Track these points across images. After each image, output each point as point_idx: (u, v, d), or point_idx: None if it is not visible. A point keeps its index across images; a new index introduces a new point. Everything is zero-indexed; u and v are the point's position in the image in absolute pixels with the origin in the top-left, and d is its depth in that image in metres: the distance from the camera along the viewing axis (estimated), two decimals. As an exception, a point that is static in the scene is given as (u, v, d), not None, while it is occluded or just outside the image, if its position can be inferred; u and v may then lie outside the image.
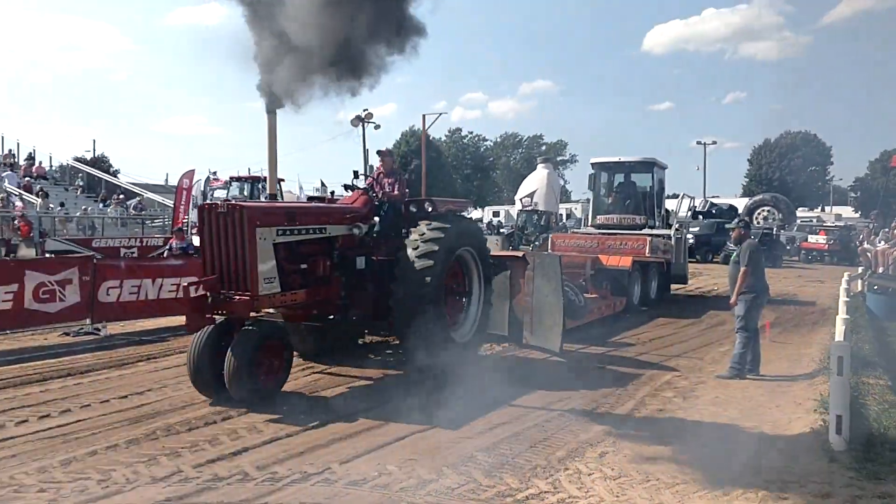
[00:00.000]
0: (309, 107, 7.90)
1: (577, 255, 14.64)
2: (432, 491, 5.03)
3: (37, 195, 25.58)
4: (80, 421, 6.60)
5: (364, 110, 42.47)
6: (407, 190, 9.49)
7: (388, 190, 9.26)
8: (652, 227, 16.28)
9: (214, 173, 34.90)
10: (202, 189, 26.86)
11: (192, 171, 25.03)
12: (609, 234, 15.89)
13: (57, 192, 29.60)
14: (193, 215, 21.27)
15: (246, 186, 27.86)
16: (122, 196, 30.40)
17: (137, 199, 30.73)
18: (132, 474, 5.26)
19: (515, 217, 30.97)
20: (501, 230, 32.78)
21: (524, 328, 9.87)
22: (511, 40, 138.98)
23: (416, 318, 7.98)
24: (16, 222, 21.03)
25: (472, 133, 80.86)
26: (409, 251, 8.20)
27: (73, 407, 7.06)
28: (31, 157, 32.37)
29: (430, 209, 9.00)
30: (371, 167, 46.13)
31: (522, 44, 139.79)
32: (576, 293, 11.76)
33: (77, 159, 38.48)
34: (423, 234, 8.29)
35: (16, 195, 25.14)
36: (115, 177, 38.32)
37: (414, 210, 9.13)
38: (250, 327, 7.20)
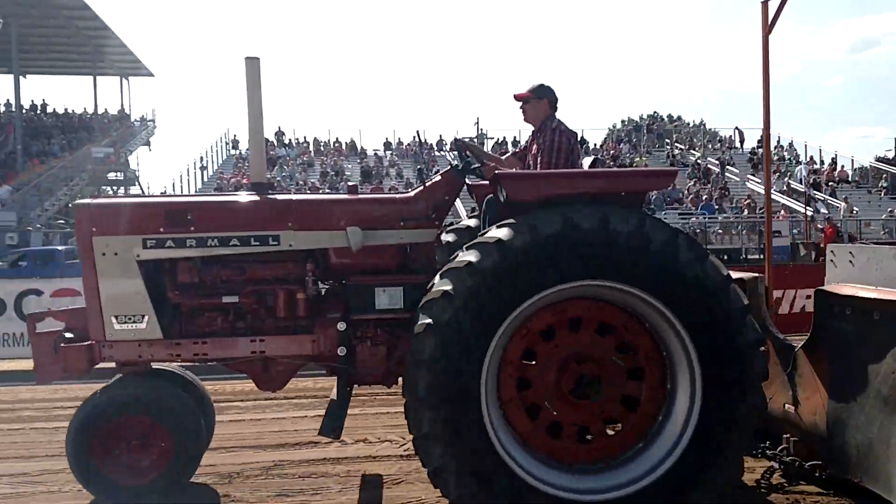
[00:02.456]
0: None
1: None
2: None
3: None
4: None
5: None
6: (545, 157, 4.87)
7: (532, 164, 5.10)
8: None
9: None
10: None
11: None
12: None
13: (859, 194, 30.46)
14: None
15: None
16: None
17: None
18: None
19: None
20: None
21: None
22: None
23: (439, 431, 3.85)
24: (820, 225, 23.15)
25: None
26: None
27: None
28: (834, 162, 33.90)
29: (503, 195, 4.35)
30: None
31: None
32: None
33: (879, 159, 37.27)
34: (457, 257, 4.04)
35: (820, 201, 26.80)
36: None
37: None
38: (105, 390, 4.58)
